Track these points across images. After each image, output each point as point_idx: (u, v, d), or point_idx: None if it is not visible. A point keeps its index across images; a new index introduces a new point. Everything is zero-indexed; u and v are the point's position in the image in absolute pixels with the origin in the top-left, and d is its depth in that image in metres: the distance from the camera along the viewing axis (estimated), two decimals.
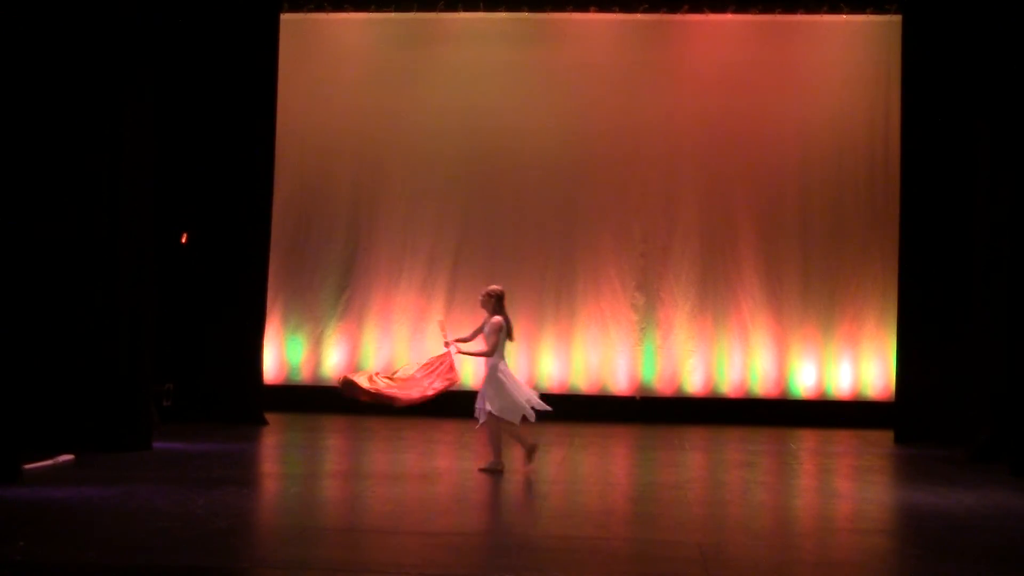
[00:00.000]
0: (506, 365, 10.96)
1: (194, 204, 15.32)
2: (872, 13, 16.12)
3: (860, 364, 16.08)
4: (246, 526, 8.53)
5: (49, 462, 10.48)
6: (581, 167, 16.51)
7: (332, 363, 16.45)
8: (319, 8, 16.55)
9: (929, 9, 14.63)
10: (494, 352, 10.82)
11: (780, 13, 16.29)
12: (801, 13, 16.27)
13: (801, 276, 16.25)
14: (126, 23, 12.19)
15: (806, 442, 14.40)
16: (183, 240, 15.35)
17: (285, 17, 15.90)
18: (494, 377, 10.79)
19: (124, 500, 9.06)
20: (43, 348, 11.04)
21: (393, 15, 16.60)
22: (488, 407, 10.78)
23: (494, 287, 11.09)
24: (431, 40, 16.73)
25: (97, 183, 11.85)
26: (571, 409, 15.88)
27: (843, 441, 14.44)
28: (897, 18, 15.28)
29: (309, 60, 16.66)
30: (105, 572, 6.70)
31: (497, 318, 10.85)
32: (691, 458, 13.01)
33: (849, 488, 10.99)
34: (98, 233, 11.86)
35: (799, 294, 16.22)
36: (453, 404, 16.05)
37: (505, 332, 10.86)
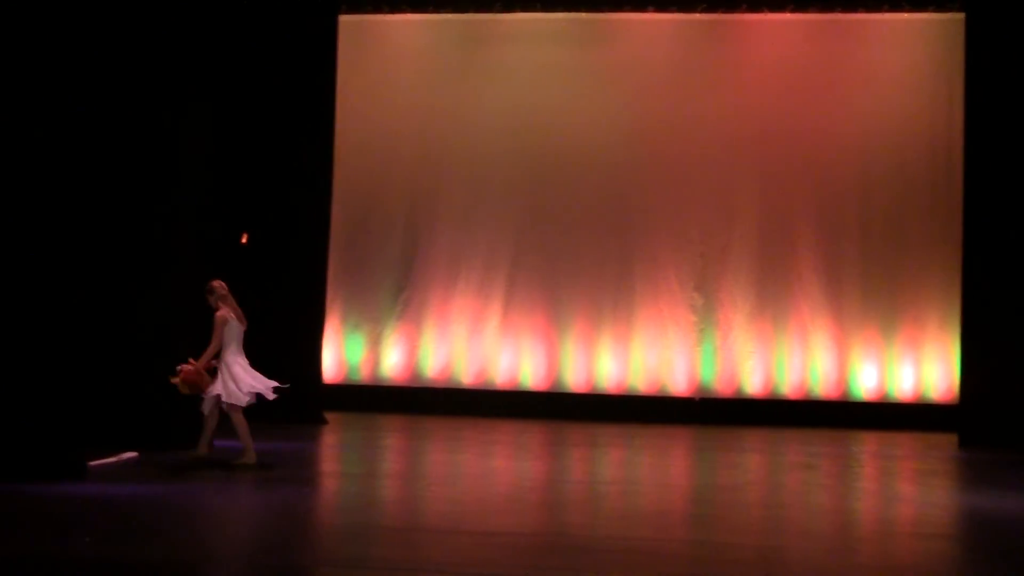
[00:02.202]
0: (240, 354, 10.81)
1: (254, 205, 15.45)
2: (934, 11, 15.95)
3: (922, 366, 15.89)
4: (306, 524, 8.59)
5: (114, 459, 10.63)
6: (639, 167, 16.47)
7: (391, 363, 16.54)
8: (377, 10, 16.64)
9: (993, 6, 14.41)
10: (220, 347, 10.71)
11: (840, 11, 16.16)
12: (861, 11, 16.12)
13: (861, 277, 16.09)
14: (186, 26, 12.32)
15: (867, 445, 14.26)
16: (243, 240, 15.49)
17: (344, 19, 16.00)
18: (225, 366, 10.72)
19: (186, 497, 9.16)
20: (107, 348, 11.18)
21: (451, 16, 16.66)
22: (216, 392, 10.70)
23: (213, 282, 10.99)
24: (488, 40, 16.77)
25: (156, 184, 11.98)
26: (630, 410, 15.89)
27: (905, 444, 14.28)
28: (960, 16, 15.08)
29: (367, 61, 16.76)
30: (168, 567, 6.77)
31: (219, 313, 10.78)
32: (750, 460, 12.92)
33: (911, 492, 10.86)
34: (157, 234, 11.99)
35: (859, 295, 16.06)
36: (509, 404, 16.15)
37: (233, 324, 10.80)
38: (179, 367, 10.55)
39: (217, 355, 10.72)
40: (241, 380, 10.69)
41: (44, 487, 9.08)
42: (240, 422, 10.80)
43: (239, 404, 10.71)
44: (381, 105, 16.81)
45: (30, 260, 9.56)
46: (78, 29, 9.99)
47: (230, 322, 10.80)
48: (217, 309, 10.80)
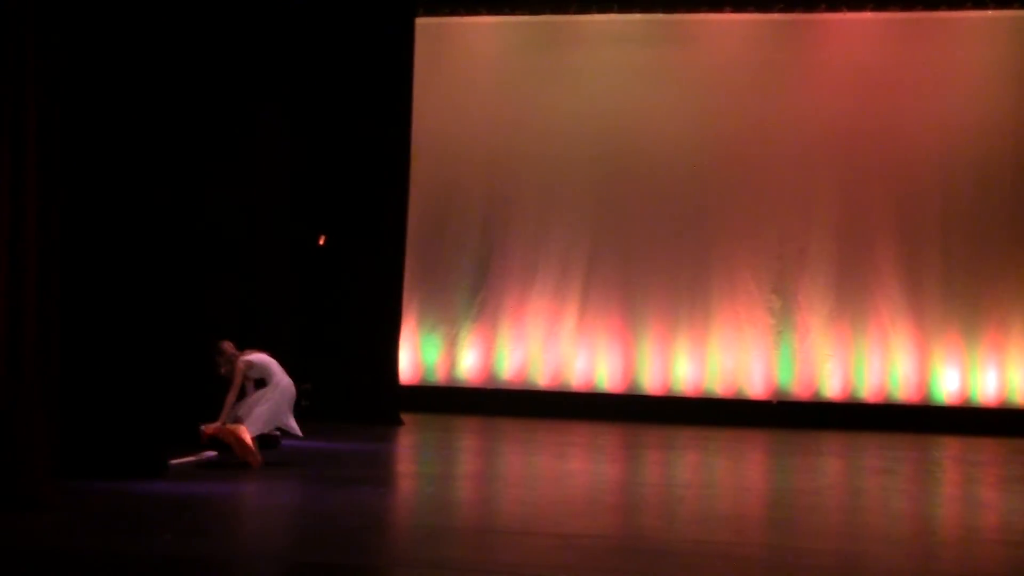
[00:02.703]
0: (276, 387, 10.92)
1: (332, 207, 15.58)
2: (1020, 8, 15.63)
3: (1007, 370, 15.60)
4: (381, 525, 8.64)
5: (193, 458, 10.77)
6: (715, 169, 16.35)
7: (467, 365, 16.59)
8: (453, 12, 16.70)
9: None
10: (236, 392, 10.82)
11: (922, 10, 15.90)
12: (944, 10, 15.85)
13: (943, 280, 15.83)
14: (264, 28, 12.47)
15: (949, 450, 14.02)
16: (321, 242, 15.63)
17: (420, 21, 16.06)
18: (265, 399, 10.85)
19: (264, 496, 9.26)
20: (185, 347, 11.34)
21: (526, 18, 16.67)
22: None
23: (222, 344, 10.96)
24: (564, 43, 16.75)
25: (235, 186, 12.14)
26: (706, 413, 15.79)
27: (989, 449, 14.02)
28: None
29: (443, 64, 16.82)
30: (245, 566, 6.85)
31: (238, 366, 10.78)
32: (828, 464, 12.77)
33: (995, 498, 10.65)
34: (235, 234, 12.15)
35: (940, 297, 15.80)
36: (584, 406, 16.13)
37: (259, 361, 10.87)
38: (201, 427, 10.63)
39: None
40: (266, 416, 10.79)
41: (125, 484, 9.23)
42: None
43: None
44: (457, 107, 16.87)
45: (109, 257, 9.72)
46: (160, 27, 10.14)
47: (254, 364, 10.86)
48: (235, 367, 10.81)
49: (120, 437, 9.68)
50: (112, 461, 9.58)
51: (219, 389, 11.47)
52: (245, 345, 11.07)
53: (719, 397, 16.12)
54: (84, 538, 7.51)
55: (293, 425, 11.04)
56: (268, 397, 10.86)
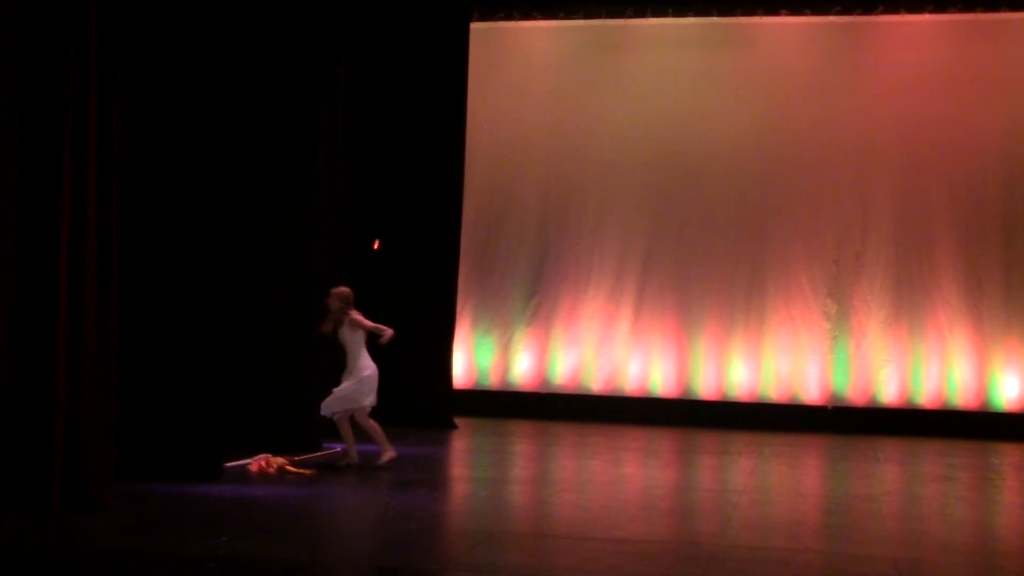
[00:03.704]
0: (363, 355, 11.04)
1: (387, 211, 15.64)
2: None
3: None
4: (436, 528, 8.67)
5: (250, 461, 10.85)
6: (772, 172, 16.25)
7: (521, 369, 16.59)
8: (508, 17, 16.72)
9: None
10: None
11: (981, 11, 15.70)
12: (1004, 11, 15.65)
13: (1004, 284, 15.61)
14: (321, 35, 12.57)
15: (1009, 457, 13.83)
16: (375, 247, 15.70)
17: (475, 26, 16.10)
18: (357, 371, 10.99)
19: (319, 500, 9.32)
20: (241, 352, 11.44)
21: (581, 22, 16.65)
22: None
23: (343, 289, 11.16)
24: (619, 47, 16.72)
25: (291, 190, 12.23)
26: (761, 418, 15.68)
27: None
28: None
29: (498, 68, 16.85)
30: (302, 569, 6.90)
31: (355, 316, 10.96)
32: (886, 470, 12.64)
33: None
34: (291, 238, 12.24)
35: (1001, 303, 15.59)
36: (638, 411, 16.08)
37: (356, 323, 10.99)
38: (251, 465, 10.70)
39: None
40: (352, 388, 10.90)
41: (182, 487, 9.32)
42: (362, 426, 10.97)
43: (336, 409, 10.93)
44: (512, 112, 16.89)
45: (168, 260, 9.83)
46: (221, 31, 10.25)
47: (361, 325, 11.00)
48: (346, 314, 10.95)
49: (178, 440, 9.79)
50: (170, 463, 9.69)
51: (277, 393, 11.60)
52: None
53: (774, 402, 16.00)
54: (141, 539, 7.60)
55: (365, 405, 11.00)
56: (350, 380, 10.94)
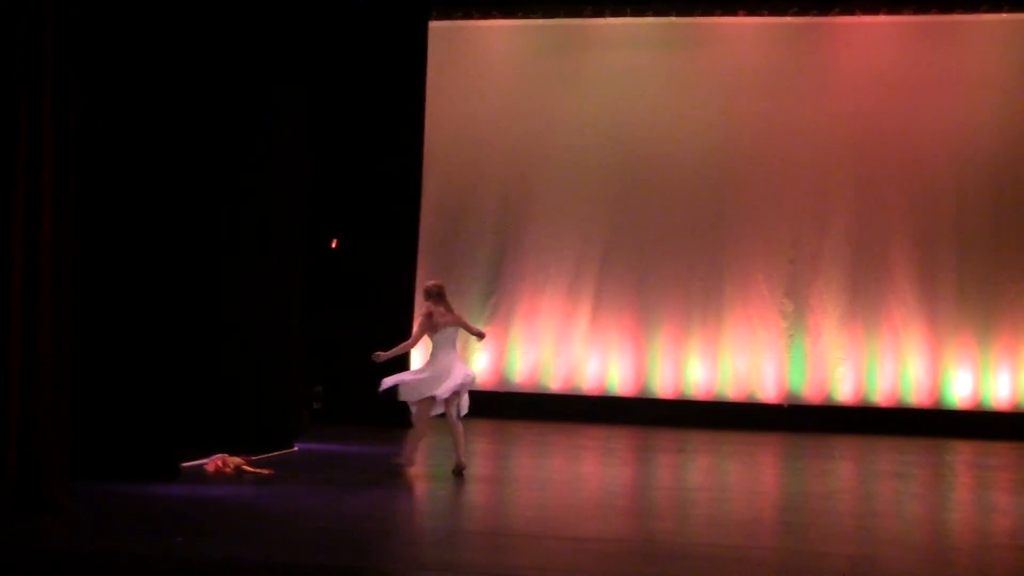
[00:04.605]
0: (439, 353, 10.76)
1: (343, 210, 15.60)
2: None
3: (1020, 374, 15.56)
4: (395, 528, 8.66)
5: (206, 461, 10.78)
6: (729, 172, 16.35)
7: (479, 368, 16.55)
8: (467, 16, 16.71)
9: None
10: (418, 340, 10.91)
11: (936, 13, 15.87)
12: (958, 12, 15.82)
13: (957, 283, 15.79)
14: (278, 33, 12.50)
15: (962, 454, 13.99)
16: (333, 246, 15.65)
17: (434, 25, 16.08)
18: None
19: (276, 499, 9.27)
20: (197, 350, 11.36)
21: (540, 22, 16.67)
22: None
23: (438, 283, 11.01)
24: (578, 46, 16.76)
25: (248, 189, 12.15)
26: (718, 416, 15.77)
27: (1002, 454, 13.98)
28: None
29: (457, 67, 16.83)
30: (259, 569, 6.86)
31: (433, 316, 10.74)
32: (841, 468, 12.75)
33: (1008, 502, 10.61)
34: (249, 238, 12.17)
35: (954, 301, 15.77)
36: (596, 409, 16.11)
37: (435, 322, 10.73)
38: (207, 464, 10.60)
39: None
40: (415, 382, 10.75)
41: (138, 487, 9.25)
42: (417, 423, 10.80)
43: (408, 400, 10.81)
44: (471, 111, 16.88)
45: (124, 260, 9.75)
46: (175, 30, 10.18)
47: (440, 324, 10.72)
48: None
49: (134, 440, 9.71)
50: (126, 464, 9.61)
51: (235, 392, 11.52)
52: None
53: (731, 401, 16.11)
54: (97, 540, 7.53)
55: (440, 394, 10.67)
56: (424, 368, 10.82)
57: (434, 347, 10.79)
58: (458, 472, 10.60)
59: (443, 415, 10.78)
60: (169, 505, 8.78)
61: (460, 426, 10.74)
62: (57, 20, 8.41)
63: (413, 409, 10.84)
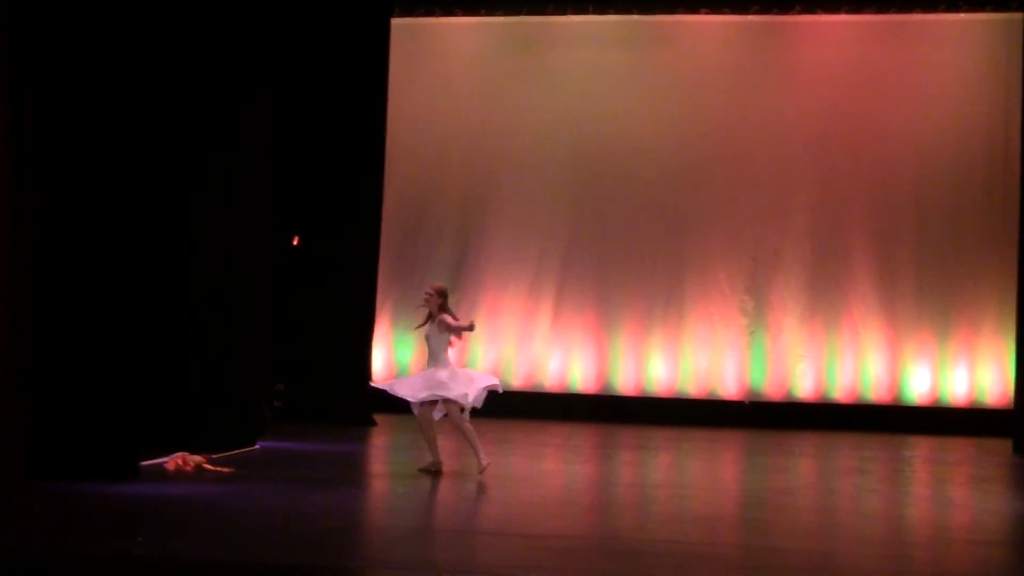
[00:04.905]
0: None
1: (305, 207, 15.54)
2: (993, 11, 15.74)
3: (977, 370, 15.72)
4: (356, 526, 8.64)
5: (166, 459, 10.70)
6: (691, 170, 16.41)
7: None
8: (429, 13, 16.69)
9: None
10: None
11: (895, 12, 16.01)
12: (918, 12, 15.96)
13: (915, 280, 15.93)
14: (242, 28, 12.43)
15: (920, 449, 14.12)
16: (295, 243, 15.59)
17: (396, 22, 16.05)
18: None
19: (237, 498, 9.22)
20: (158, 347, 11.27)
21: (502, 19, 16.68)
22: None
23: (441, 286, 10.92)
24: (540, 44, 16.77)
25: (208, 185, 12.08)
26: (680, 413, 15.83)
27: (959, 449, 14.12)
28: (1018, 16, 14.93)
29: (419, 65, 16.80)
30: (220, 568, 6.83)
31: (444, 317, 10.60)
32: (801, 464, 12.83)
33: (966, 497, 10.74)
34: (209, 235, 12.09)
35: (913, 298, 15.91)
36: (558, 407, 16.13)
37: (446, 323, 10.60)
38: (167, 463, 10.52)
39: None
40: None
41: (97, 486, 9.17)
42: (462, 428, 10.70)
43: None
44: (433, 108, 16.86)
45: (83, 257, 9.66)
46: (136, 24, 10.10)
47: (451, 326, 10.56)
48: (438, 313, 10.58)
49: (92, 438, 9.62)
50: (84, 463, 9.51)
51: (195, 390, 11.44)
52: None
53: (692, 397, 16.18)
54: (55, 540, 7.46)
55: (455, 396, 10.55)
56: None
57: (444, 351, 10.68)
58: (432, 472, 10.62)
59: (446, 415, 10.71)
60: (129, 504, 8.71)
61: (469, 428, 10.69)
62: (11, 11, 8.31)
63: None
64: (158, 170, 10.88)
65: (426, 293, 10.80)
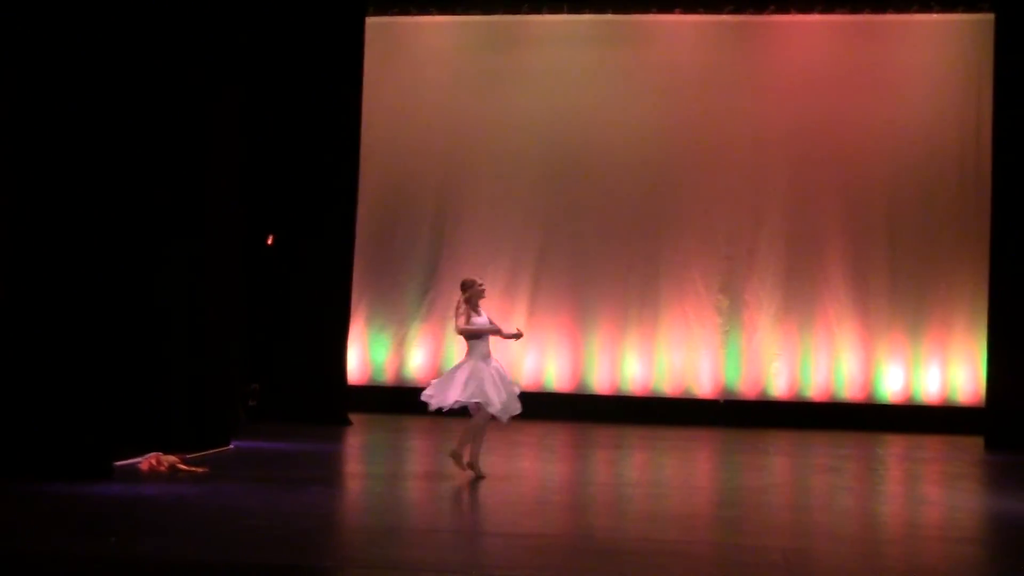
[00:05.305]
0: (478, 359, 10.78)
1: (280, 206, 15.50)
2: (964, 11, 15.84)
3: (949, 369, 15.81)
4: (331, 525, 8.62)
5: (140, 459, 10.65)
6: (666, 169, 16.45)
7: (416, 364, 16.56)
8: (404, 12, 16.67)
9: None
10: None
11: (868, 13, 16.09)
12: (891, 12, 16.05)
13: (888, 279, 16.02)
14: (214, 28, 12.37)
15: (893, 447, 14.19)
16: (269, 242, 15.54)
17: (370, 20, 16.02)
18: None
19: (212, 498, 9.19)
20: (133, 347, 11.21)
21: (477, 18, 16.69)
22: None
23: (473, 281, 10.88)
24: (515, 43, 16.78)
25: (183, 185, 12.02)
26: (655, 412, 15.87)
27: (932, 447, 14.21)
28: (990, 16, 15.02)
29: (394, 63, 16.78)
30: (194, 568, 6.80)
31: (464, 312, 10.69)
32: (776, 462, 12.88)
33: (938, 495, 10.80)
34: (185, 234, 12.04)
35: (887, 297, 15.99)
36: (533, 406, 16.11)
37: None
38: (141, 463, 10.46)
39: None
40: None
41: (70, 486, 9.12)
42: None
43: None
44: (408, 107, 16.84)
45: (53, 255, 9.60)
46: (107, 21, 10.04)
47: (472, 319, 10.66)
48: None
49: (65, 438, 9.56)
50: (57, 462, 9.46)
51: (169, 389, 11.38)
52: None
53: (667, 396, 16.21)
54: (27, 540, 7.41)
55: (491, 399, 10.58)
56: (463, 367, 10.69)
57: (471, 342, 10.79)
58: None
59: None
60: (102, 505, 8.66)
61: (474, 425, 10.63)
62: None
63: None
64: (130, 171, 10.82)
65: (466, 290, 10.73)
